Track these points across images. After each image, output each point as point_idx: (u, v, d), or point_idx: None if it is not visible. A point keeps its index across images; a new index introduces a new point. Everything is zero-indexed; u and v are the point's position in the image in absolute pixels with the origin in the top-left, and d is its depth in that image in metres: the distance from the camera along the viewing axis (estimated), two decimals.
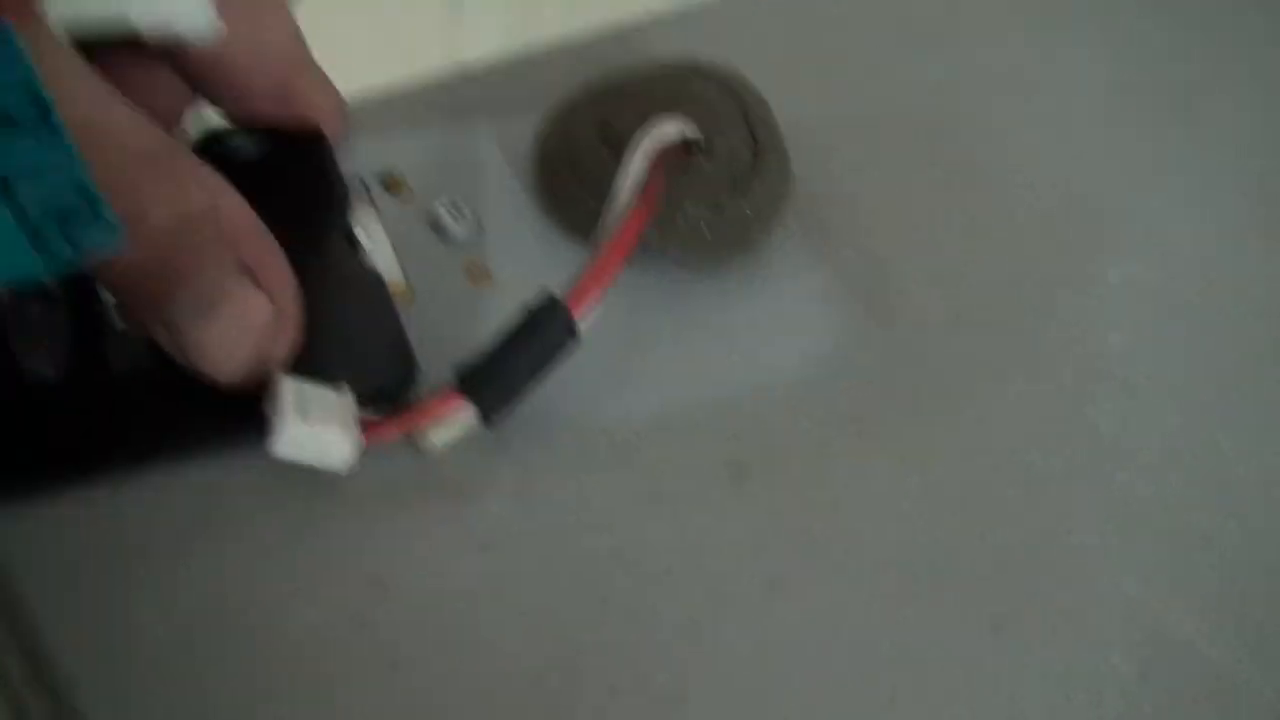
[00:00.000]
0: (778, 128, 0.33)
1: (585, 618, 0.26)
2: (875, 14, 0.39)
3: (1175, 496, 0.29)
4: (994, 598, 0.27)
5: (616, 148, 0.31)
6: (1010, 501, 0.29)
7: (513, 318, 0.28)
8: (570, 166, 0.32)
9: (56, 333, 0.28)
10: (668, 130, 0.31)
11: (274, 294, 0.27)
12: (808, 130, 0.33)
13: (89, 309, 0.28)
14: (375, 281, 0.30)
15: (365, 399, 0.27)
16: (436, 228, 0.32)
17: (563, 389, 0.29)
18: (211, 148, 0.31)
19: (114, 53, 0.29)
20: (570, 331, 0.28)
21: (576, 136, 0.33)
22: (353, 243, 0.31)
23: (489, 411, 0.28)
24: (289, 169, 0.32)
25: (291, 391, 0.26)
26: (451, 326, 0.30)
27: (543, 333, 0.28)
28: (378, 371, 0.28)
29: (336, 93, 0.32)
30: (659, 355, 0.30)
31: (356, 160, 0.32)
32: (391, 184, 0.33)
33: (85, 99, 0.26)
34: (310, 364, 0.27)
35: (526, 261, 0.32)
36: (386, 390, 0.28)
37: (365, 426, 0.27)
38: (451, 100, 0.36)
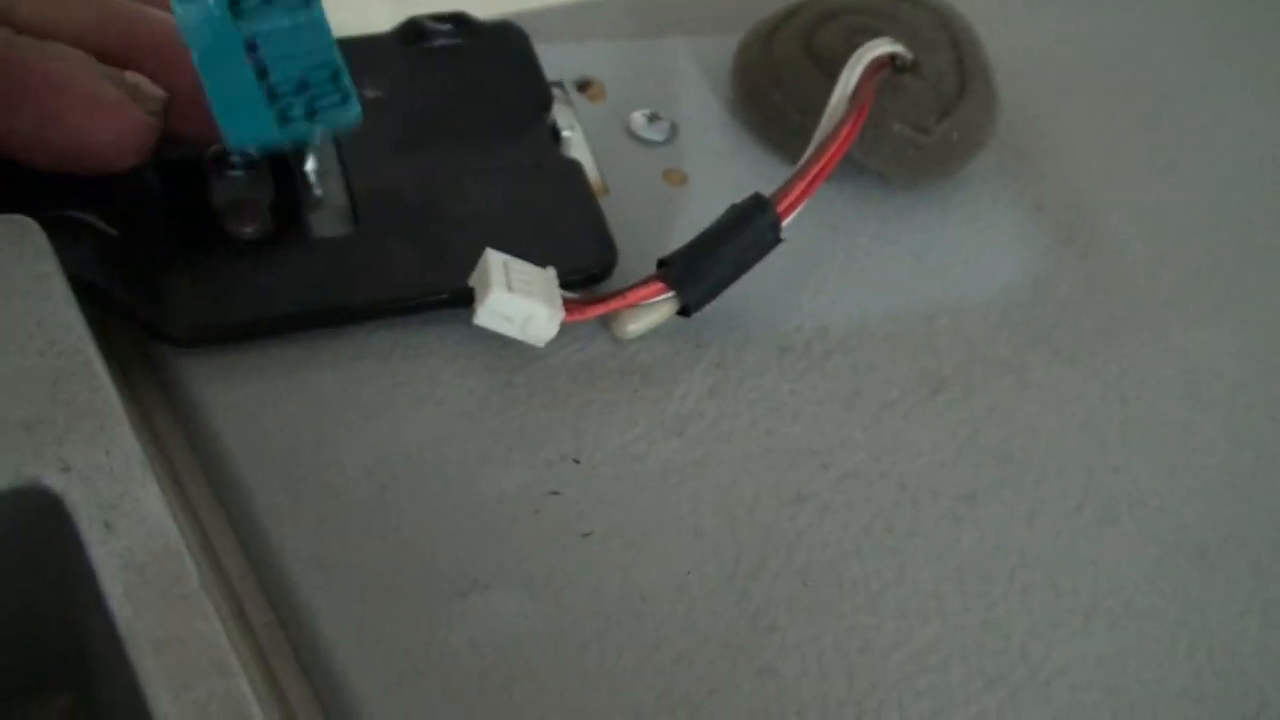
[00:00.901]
0: (986, 56, 0.32)
1: (778, 509, 0.26)
2: None
3: None
4: (1193, 526, 0.27)
5: (824, 65, 0.31)
6: (1207, 434, 0.28)
7: (719, 215, 0.28)
8: (774, 81, 0.32)
9: (261, 198, 0.28)
10: (881, 47, 0.30)
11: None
12: (1015, 61, 0.33)
13: (289, 176, 0.29)
14: (576, 171, 0.30)
15: (566, 281, 0.28)
16: (632, 132, 0.32)
17: (761, 290, 0.29)
18: (411, 32, 0.32)
19: None
20: (774, 232, 0.28)
21: (782, 53, 0.32)
22: (554, 135, 0.31)
23: (689, 302, 0.28)
24: (491, 59, 0.32)
25: (498, 264, 0.26)
26: (646, 223, 0.30)
27: (748, 231, 0.28)
28: (579, 254, 0.28)
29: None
30: (859, 266, 0.30)
31: (554, 61, 0.32)
32: (588, 88, 0.33)
33: None
34: (514, 245, 0.27)
35: (721, 167, 0.32)
36: (587, 273, 0.28)
37: (566, 306, 0.27)
38: (647, 13, 0.36)
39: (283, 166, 0.29)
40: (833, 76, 0.30)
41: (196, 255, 0.27)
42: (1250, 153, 0.34)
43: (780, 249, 0.28)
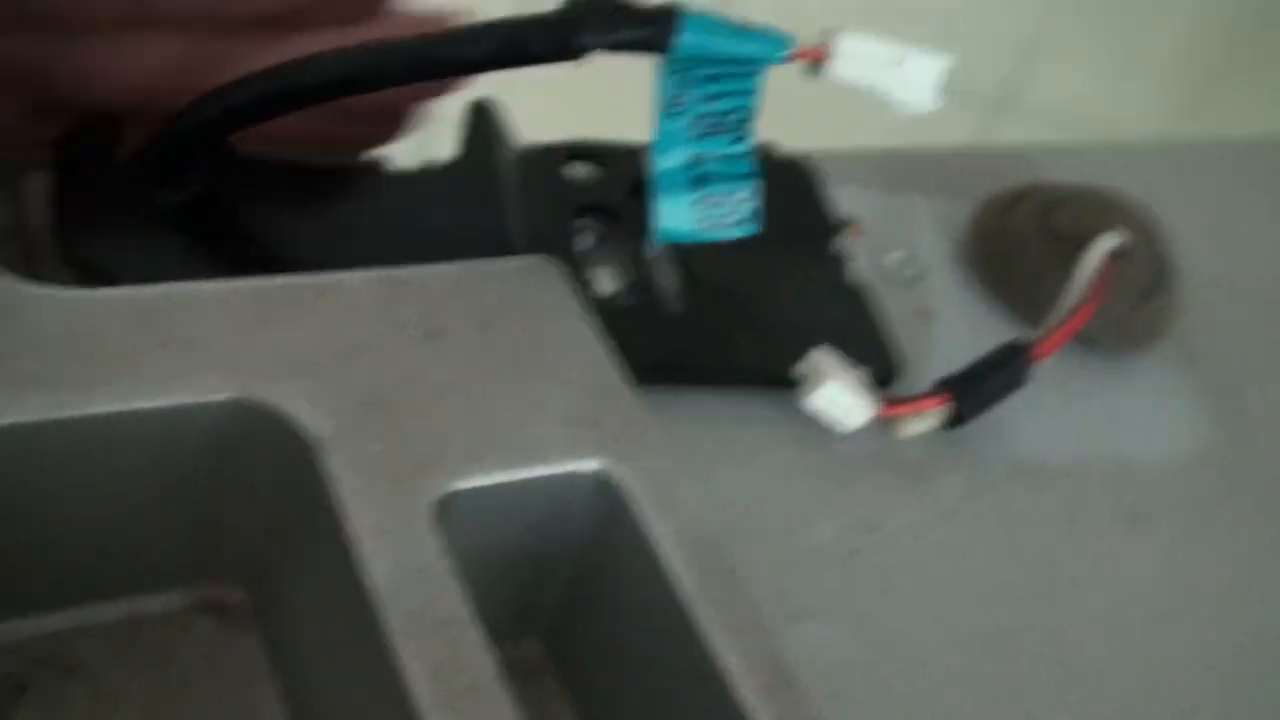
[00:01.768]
0: (1175, 259, 0.40)
1: (1025, 589, 0.32)
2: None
3: None
4: None
5: (1055, 241, 0.39)
6: None
7: (989, 350, 0.35)
8: (1013, 249, 0.39)
9: (619, 260, 0.34)
10: (1115, 241, 0.38)
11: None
12: (1200, 270, 0.41)
13: (638, 240, 0.35)
14: (863, 292, 0.37)
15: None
16: (886, 270, 0.39)
17: (1008, 416, 0.35)
18: None
19: None
20: (1027, 372, 0.35)
21: (1019, 227, 0.40)
22: (840, 260, 0.38)
23: (961, 414, 0.34)
24: (786, 188, 0.38)
25: (830, 361, 0.33)
26: (903, 348, 0.37)
27: (1011, 367, 0.35)
28: (869, 361, 0.35)
29: None
30: (1071, 411, 0.37)
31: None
32: (849, 227, 0.40)
33: None
34: (817, 344, 0.34)
35: (962, 309, 0.39)
36: (876, 379, 0.35)
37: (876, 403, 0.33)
38: (890, 172, 0.43)
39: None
40: (1061, 252, 0.38)
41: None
42: None
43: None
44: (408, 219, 0.33)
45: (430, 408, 0.24)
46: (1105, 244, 0.37)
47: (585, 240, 0.35)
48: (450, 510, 0.23)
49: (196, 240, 0.31)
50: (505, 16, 0.29)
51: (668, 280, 0.35)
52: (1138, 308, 0.39)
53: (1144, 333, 0.39)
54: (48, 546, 0.23)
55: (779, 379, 0.33)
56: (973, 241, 0.40)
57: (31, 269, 0.26)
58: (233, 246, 0.31)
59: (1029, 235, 0.39)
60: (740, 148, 0.31)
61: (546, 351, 0.26)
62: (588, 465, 0.24)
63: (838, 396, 0.32)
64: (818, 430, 0.33)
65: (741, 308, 0.35)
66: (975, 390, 0.34)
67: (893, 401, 0.34)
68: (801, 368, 0.33)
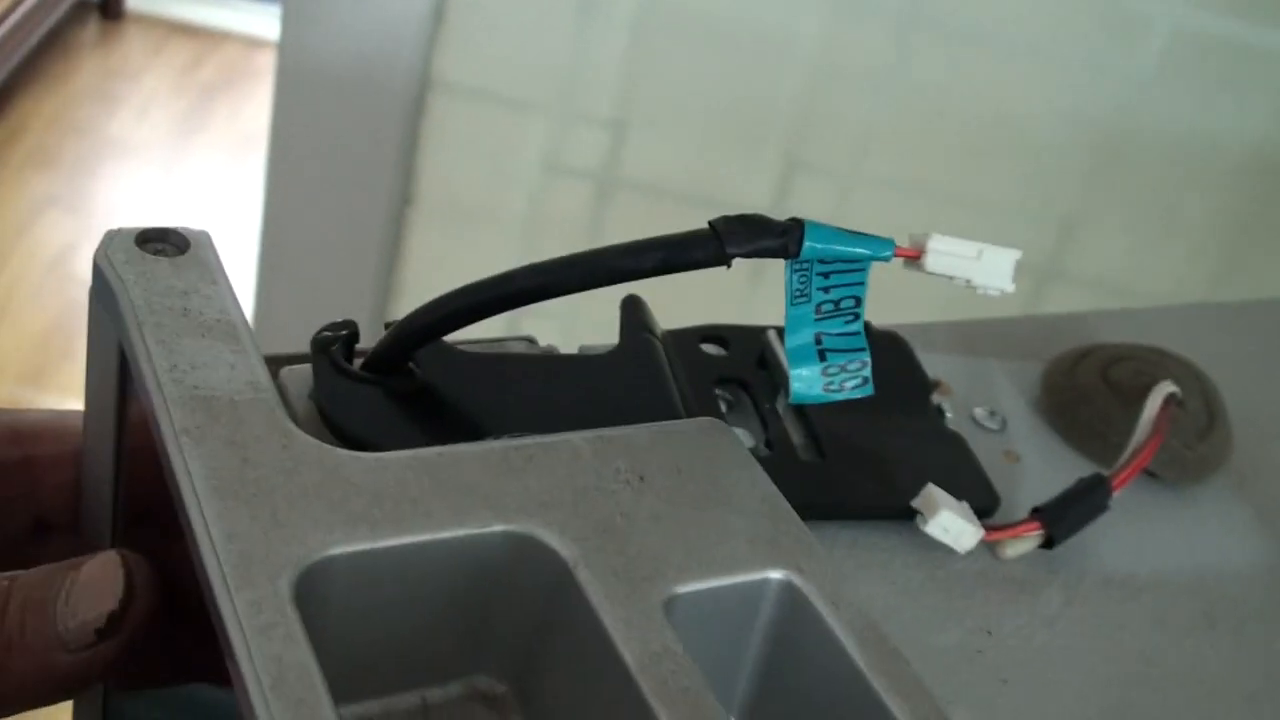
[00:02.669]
0: (1224, 402, 0.47)
1: (1124, 685, 0.38)
2: None
3: None
4: None
5: (1119, 393, 0.46)
6: None
7: (1072, 483, 0.41)
8: (1081, 401, 0.46)
9: (754, 415, 0.41)
10: (1170, 387, 0.44)
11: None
12: (1245, 413, 0.47)
13: (769, 397, 0.42)
14: (961, 439, 0.43)
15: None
16: (976, 421, 0.46)
17: (1094, 538, 0.42)
18: None
19: None
20: (1107, 500, 0.41)
21: (1085, 381, 0.47)
22: (940, 412, 0.45)
23: (1053, 537, 0.41)
24: (887, 355, 0.46)
25: (942, 494, 0.39)
26: (997, 485, 0.43)
27: (1093, 497, 0.41)
28: (973, 496, 0.41)
29: None
30: (1147, 533, 0.43)
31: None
32: (938, 386, 0.47)
33: None
34: (929, 482, 0.40)
35: (1041, 453, 0.45)
36: (980, 509, 0.41)
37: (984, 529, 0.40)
38: (966, 339, 0.50)
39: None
40: (1124, 401, 0.45)
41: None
42: None
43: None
44: (590, 394, 0.40)
45: (647, 534, 0.31)
46: (1162, 391, 0.44)
47: (725, 405, 0.43)
48: (672, 609, 0.30)
49: (426, 416, 0.38)
50: (665, 235, 0.37)
51: (796, 435, 0.42)
52: (1193, 447, 0.45)
53: (1201, 467, 0.45)
54: (369, 648, 0.30)
55: (899, 511, 0.40)
56: (1044, 395, 0.47)
57: None
58: (455, 420, 0.38)
59: (1093, 388, 0.46)
60: (854, 326, 0.38)
61: (727, 489, 0.33)
62: (774, 574, 0.31)
63: (950, 524, 0.39)
64: (936, 553, 0.40)
65: (862, 454, 0.42)
66: (1063, 516, 0.41)
67: (994, 528, 0.40)
68: (918, 501, 0.40)
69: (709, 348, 0.45)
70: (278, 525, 0.28)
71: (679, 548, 0.31)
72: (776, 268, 0.37)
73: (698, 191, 1.12)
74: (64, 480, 0.39)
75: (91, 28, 2.55)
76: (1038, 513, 0.41)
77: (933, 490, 0.40)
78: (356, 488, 0.30)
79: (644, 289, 0.40)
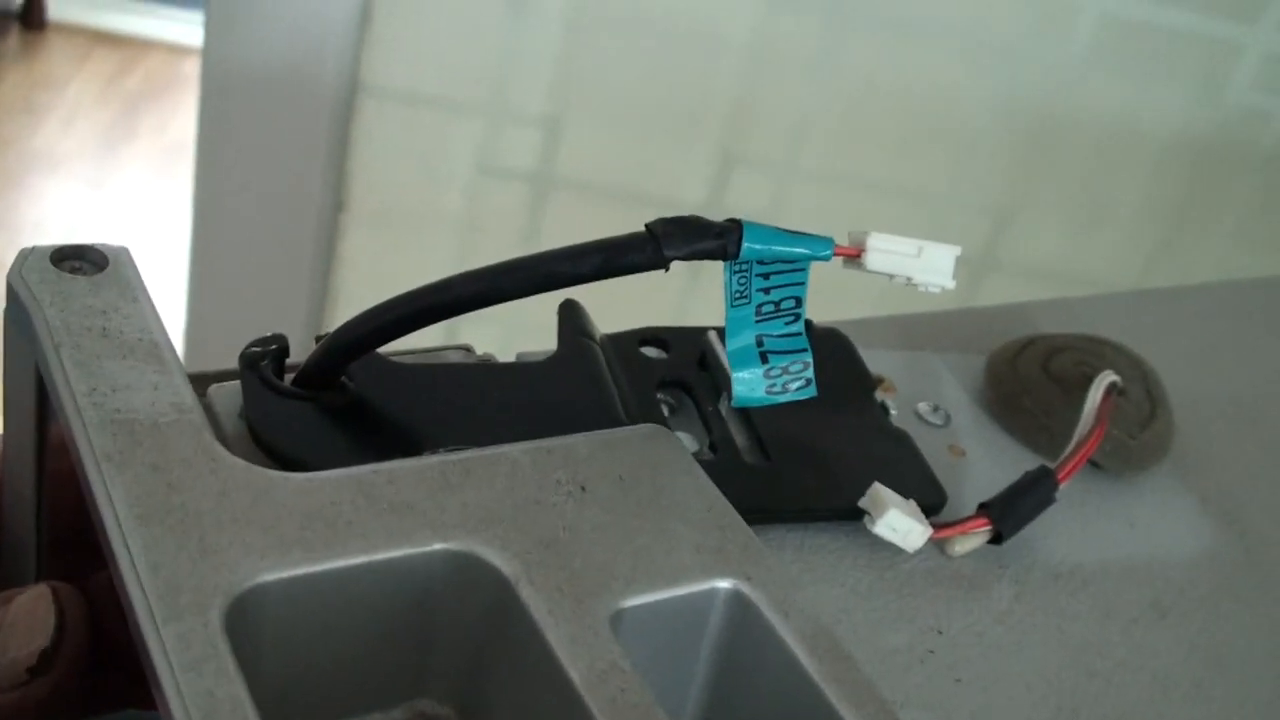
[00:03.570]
0: (1166, 391, 0.47)
1: (1075, 679, 0.38)
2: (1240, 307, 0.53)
3: None
4: None
5: (1060, 383, 0.45)
6: None
7: (1019, 477, 0.41)
8: (1023, 392, 0.46)
9: (697, 418, 0.41)
10: (1111, 377, 0.44)
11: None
12: (1185, 398, 0.47)
13: (711, 399, 0.41)
14: (906, 436, 0.43)
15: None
16: (920, 416, 0.46)
17: (1041, 531, 0.41)
18: None
19: None
20: (1053, 494, 0.41)
21: (1027, 372, 0.46)
22: (885, 410, 0.44)
23: (1005, 534, 0.40)
24: (827, 353, 0.45)
25: (889, 493, 0.39)
26: (944, 480, 0.43)
27: (1039, 490, 0.41)
28: (920, 494, 0.41)
29: None
30: (1092, 524, 0.43)
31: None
32: (881, 383, 0.47)
33: None
34: (875, 482, 0.40)
35: (987, 447, 0.45)
36: (927, 507, 0.41)
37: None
38: (906, 333, 0.50)
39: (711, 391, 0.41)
40: (1066, 391, 0.44)
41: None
42: None
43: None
44: (529, 403, 0.39)
45: (591, 546, 0.30)
46: (1104, 381, 0.44)
47: (667, 409, 0.42)
48: (619, 623, 0.29)
49: (360, 431, 0.37)
50: (602, 238, 0.36)
51: (740, 437, 0.41)
52: (1136, 435, 0.45)
53: (1144, 455, 0.45)
54: (305, 674, 0.29)
55: (847, 512, 0.39)
56: (987, 388, 0.47)
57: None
58: (390, 435, 0.37)
59: (1035, 379, 0.46)
60: (795, 327, 0.38)
61: (671, 497, 0.32)
62: (722, 583, 0.30)
63: (898, 523, 0.38)
64: (885, 553, 0.39)
65: (808, 455, 0.41)
66: (1010, 511, 0.40)
67: (942, 525, 0.40)
68: (865, 501, 0.39)
69: (649, 351, 0.44)
70: (206, 553, 0.27)
71: (624, 560, 0.30)
72: (713, 265, 0.36)
73: (634, 188, 1.11)
74: None
75: (13, 38, 2.50)
76: (985, 508, 0.41)
77: (880, 489, 0.39)
78: (288, 510, 0.29)
79: (581, 292, 0.39)
